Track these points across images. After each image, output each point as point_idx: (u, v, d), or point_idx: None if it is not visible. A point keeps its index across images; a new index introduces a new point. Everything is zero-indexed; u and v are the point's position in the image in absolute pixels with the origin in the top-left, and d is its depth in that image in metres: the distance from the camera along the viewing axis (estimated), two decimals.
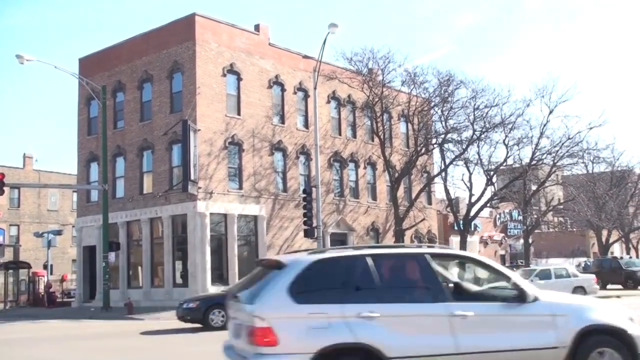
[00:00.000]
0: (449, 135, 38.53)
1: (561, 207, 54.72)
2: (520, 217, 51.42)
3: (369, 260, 7.46)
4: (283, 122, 35.43)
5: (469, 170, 41.36)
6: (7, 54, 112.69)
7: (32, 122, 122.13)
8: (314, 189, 29.96)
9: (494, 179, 45.12)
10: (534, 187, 48.04)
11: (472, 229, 49.28)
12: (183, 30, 31.91)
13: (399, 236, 36.65)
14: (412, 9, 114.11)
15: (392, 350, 6.97)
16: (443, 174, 41.04)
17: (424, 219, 41.01)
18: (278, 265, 7.46)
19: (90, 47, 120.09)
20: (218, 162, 31.62)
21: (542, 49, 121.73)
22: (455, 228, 44.50)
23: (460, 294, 7.60)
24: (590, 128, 43.06)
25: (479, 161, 41.51)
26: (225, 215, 31.74)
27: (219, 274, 31.12)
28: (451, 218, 46.11)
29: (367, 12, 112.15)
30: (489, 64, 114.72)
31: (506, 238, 59.56)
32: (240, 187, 32.61)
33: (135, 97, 34.00)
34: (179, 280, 30.79)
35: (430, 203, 46.20)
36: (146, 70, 33.34)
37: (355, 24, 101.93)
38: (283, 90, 35.60)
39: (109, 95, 34.19)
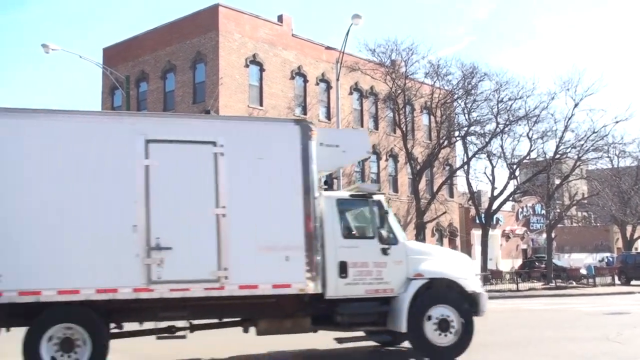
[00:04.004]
0: (471, 128, 38.11)
1: (585, 201, 53.92)
2: (543, 211, 50.86)
3: None
4: (305, 113, 35.40)
5: (491, 164, 40.88)
6: (33, 43, 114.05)
7: None
8: (335, 180, 29.95)
9: (517, 173, 44.61)
10: (557, 181, 47.39)
11: (494, 222, 48.88)
12: (206, 20, 32.00)
13: (420, 229, 36.47)
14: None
15: None
16: (465, 167, 40.64)
17: (445, 212, 40.78)
18: None
19: (114, 37, 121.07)
20: None
21: (566, 40, 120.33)
22: (477, 221, 44.10)
23: None
24: (617, 122, 42.21)
25: (502, 154, 40.99)
26: None
27: None
28: (473, 211, 45.77)
29: (384, 3, 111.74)
30: (511, 55, 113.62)
31: (528, 232, 59.01)
32: None
33: (159, 87, 34.22)
34: None
35: (452, 196, 45.95)
36: (169, 60, 33.53)
37: (373, 15, 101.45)
38: (305, 81, 35.57)
39: (133, 85, 34.45)
